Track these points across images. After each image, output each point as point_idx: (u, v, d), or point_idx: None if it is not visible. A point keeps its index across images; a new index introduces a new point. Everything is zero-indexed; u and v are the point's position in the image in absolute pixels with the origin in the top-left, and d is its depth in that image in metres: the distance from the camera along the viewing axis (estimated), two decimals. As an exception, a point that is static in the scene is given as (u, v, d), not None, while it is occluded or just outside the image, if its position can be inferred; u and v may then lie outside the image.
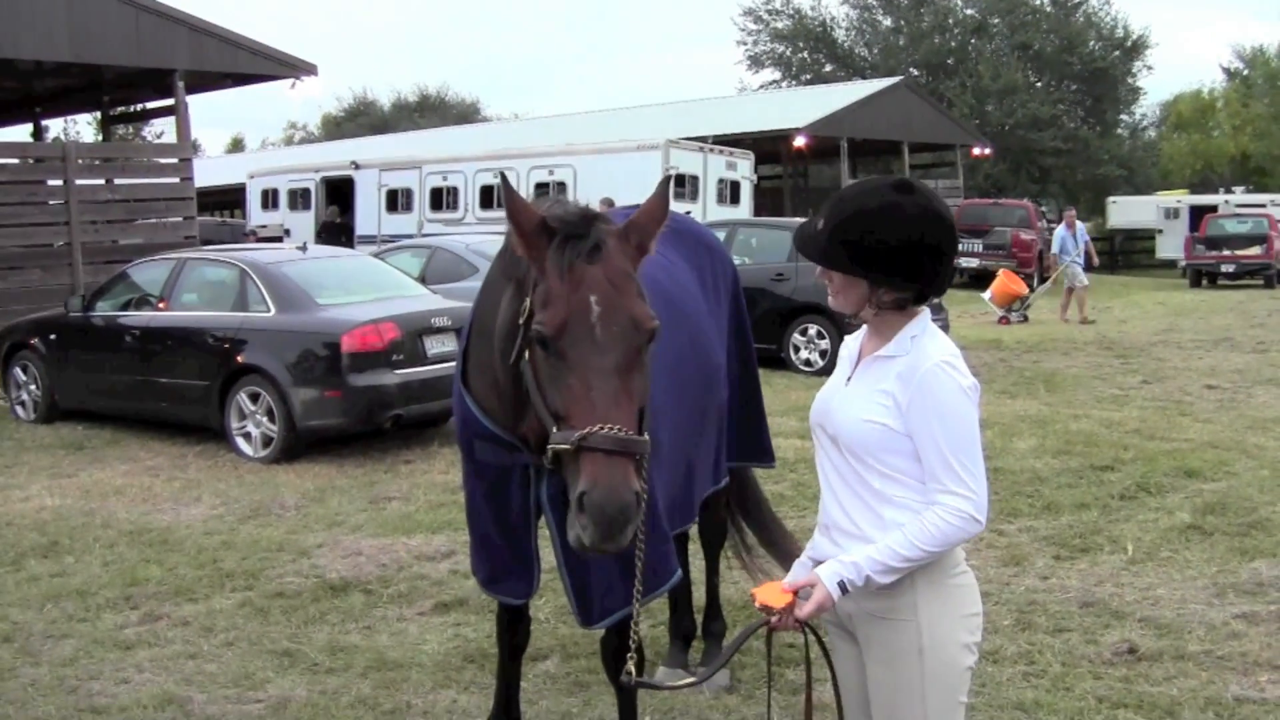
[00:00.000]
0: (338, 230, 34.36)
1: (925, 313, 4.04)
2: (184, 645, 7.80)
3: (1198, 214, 48.18)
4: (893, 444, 3.91)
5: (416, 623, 8.15)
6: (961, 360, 3.95)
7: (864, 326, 4.18)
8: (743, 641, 4.46)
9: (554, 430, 4.15)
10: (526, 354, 4.39)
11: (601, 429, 3.97)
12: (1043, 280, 36.83)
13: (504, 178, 4.36)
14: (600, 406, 4.05)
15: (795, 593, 4.01)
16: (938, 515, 3.81)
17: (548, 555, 5.43)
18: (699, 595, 7.39)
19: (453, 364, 13.54)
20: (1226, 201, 49.87)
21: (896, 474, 3.92)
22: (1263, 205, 48.07)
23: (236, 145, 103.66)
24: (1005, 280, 29.47)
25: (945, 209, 3.99)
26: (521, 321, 4.41)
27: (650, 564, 5.15)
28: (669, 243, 6.39)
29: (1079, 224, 30.54)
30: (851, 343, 4.26)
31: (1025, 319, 28.79)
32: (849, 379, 4.14)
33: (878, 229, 3.85)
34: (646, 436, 4.24)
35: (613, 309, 4.18)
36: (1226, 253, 42.22)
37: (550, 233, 4.32)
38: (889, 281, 3.90)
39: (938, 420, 3.83)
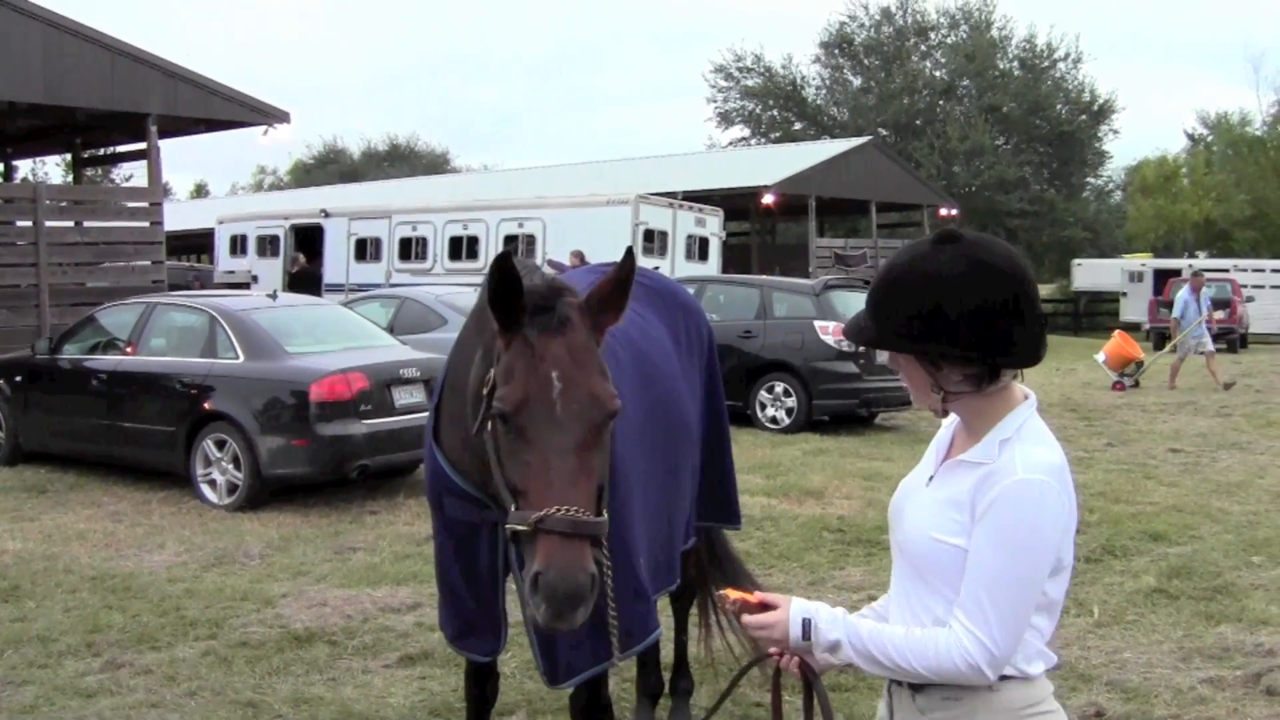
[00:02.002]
0: (306, 280, 34.21)
1: (1025, 405, 3.38)
2: (146, 694, 7.72)
3: (1162, 277, 48.54)
4: (962, 568, 3.28)
5: (382, 675, 8.09)
6: (1059, 475, 3.24)
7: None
8: (741, 676, 4.22)
9: (512, 506, 4.10)
10: (489, 425, 4.32)
11: (558, 511, 3.90)
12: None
13: (507, 255, 4.21)
14: (558, 487, 3.98)
15: (763, 604, 3.60)
16: (946, 640, 3.22)
17: (515, 612, 5.39)
18: (666, 653, 7.37)
19: (420, 415, 13.61)
20: (1190, 265, 50.23)
21: None
22: (1226, 270, 48.51)
23: (200, 191, 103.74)
24: (1120, 343, 28.47)
25: (1004, 259, 3.29)
26: (485, 391, 4.35)
27: (626, 624, 5.12)
28: (645, 300, 6.39)
29: (1204, 290, 29.19)
30: (944, 431, 3.61)
31: (1138, 384, 27.75)
32: (930, 478, 3.50)
33: (914, 291, 3.29)
34: (605, 516, 4.16)
35: (574, 386, 4.11)
36: (1191, 316, 42.52)
37: (520, 306, 4.24)
38: (944, 353, 3.28)
39: (993, 547, 3.20)
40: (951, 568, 3.26)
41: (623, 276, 4.42)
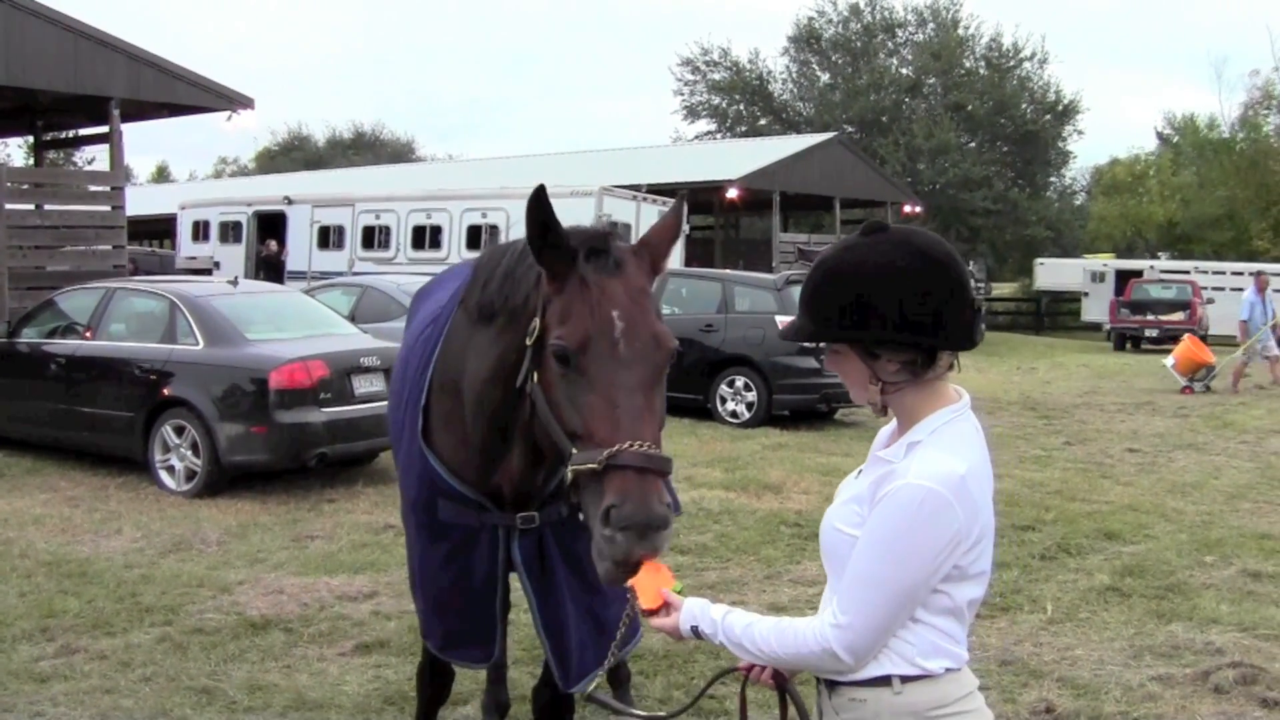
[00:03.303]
0: (271, 266, 34.16)
1: (949, 409, 3.44)
2: (100, 680, 7.69)
3: (1123, 278, 48.87)
4: None
5: (337, 663, 8.09)
6: (957, 487, 3.23)
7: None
8: (713, 683, 4.08)
9: (572, 451, 3.95)
10: (535, 375, 4.25)
11: (630, 445, 3.78)
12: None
13: (541, 190, 4.14)
14: (627, 423, 3.87)
15: (665, 604, 3.63)
16: (808, 626, 3.33)
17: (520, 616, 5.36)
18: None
19: (381, 404, 13.57)
20: (1152, 267, 50.64)
21: None
22: (1187, 272, 48.89)
23: (161, 174, 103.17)
24: (1190, 347, 27.34)
25: (934, 245, 3.36)
26: (530, 342, 4.28)
27: (633, 620, 5.12)
28: None
29: (1270, 290, 28.19)
30: (884, 430, 3.63)
31: (1208, 389, 26.79)
32: (860, 473, 3.59)
33: (848, 281, 3.34)
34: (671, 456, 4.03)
35: (636, 325, 4.05)
36: (1150, 317, 42.86)
37: (569, 250, 4.20)
38: (881, 338, 3.32)
39: (868, 545, 3.26)
40: (847, 557, 3.33)
41: (677, 220, 4.49)
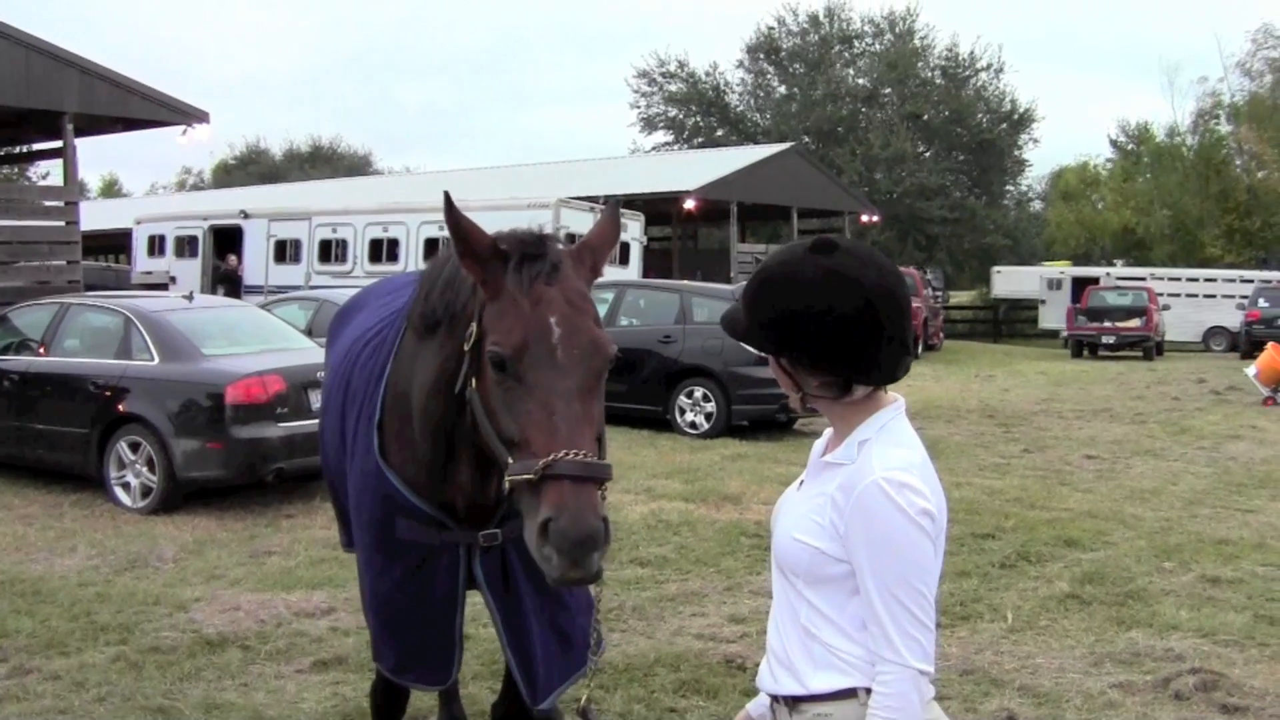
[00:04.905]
0: (233, 281, 34.02)
1: (891, 408, 3.38)
2: (54, 700, 7.59)
3: (1080, 285, 49.15)
4: (824, 570, 3.28)
5: (294, 680, 8.01)
6: (920, 472, 3.23)
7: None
8: None
9: (509, 460, 3.97)
10: (473, 381, 4.24)
11: (567, 454, 3.77)
12: (929, 347, 37.25)
13: (447, 197, 4.18)
14: (564, 431, 3.85)
15: None
16: (884, 689, 3.20)
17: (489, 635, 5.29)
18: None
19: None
20: (1108, 274, 50.96)
21: (830, 611, 3.30)
22: (1143, 279, 49.21)
23: (110, 187, 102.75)
24: (1274, 355, 25.72)
25: (867, 274, 3.23)
26: (468, 347, 4.26)
27: (598, 631, 5.06)
28: None
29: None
30: (822, 437, 3.59)
31: None
32: (802, 482, 3.53)
33: (780, 297, 3.27)
34: (610, 462, 4.03)
35: (573, 330, 4.04)
36: (1107, 324, 43.05)
37: (503, 254, 4.20)
38: (801, 362, 3.30)
39: (869, 556, 3.17)
40: (811, 569, 3.29)
41: (614, 223, 4.53)
